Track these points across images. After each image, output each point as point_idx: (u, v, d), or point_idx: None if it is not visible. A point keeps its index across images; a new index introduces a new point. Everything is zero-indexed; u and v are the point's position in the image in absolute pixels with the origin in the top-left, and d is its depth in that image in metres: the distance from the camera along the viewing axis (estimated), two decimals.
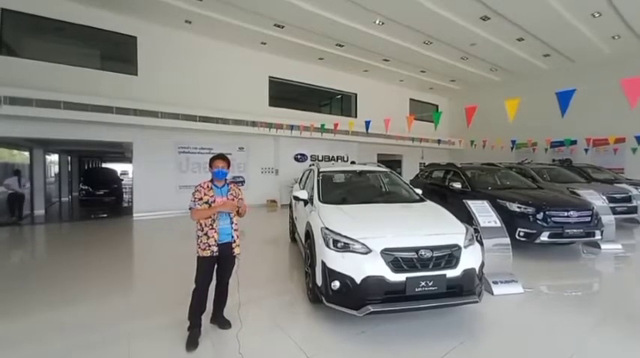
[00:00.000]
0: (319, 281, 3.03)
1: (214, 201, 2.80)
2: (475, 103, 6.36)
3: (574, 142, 11.74)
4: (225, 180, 2.95)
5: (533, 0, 7.86)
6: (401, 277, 2.74)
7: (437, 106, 17.73)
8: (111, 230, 8.26)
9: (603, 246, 5.63)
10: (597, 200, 5.97)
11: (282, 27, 9.69)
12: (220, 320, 2.98)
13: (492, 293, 3.70)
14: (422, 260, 2.83)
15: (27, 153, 10.29)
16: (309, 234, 3.58)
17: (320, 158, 13.14)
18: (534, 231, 5.15)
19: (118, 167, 19.52)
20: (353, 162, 12.01)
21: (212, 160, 2.89)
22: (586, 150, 11.87)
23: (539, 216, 5.25)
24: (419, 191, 4.52)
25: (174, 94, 9.84)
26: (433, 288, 2.77)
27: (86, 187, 13.31)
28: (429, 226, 3.29)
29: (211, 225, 2.78)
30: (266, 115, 11.34)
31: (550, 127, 12.20)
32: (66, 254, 5.86)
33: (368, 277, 2.73)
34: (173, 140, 10.08)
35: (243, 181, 11.42)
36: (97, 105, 8.16)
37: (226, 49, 10.88)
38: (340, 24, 9.27)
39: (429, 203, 4.16)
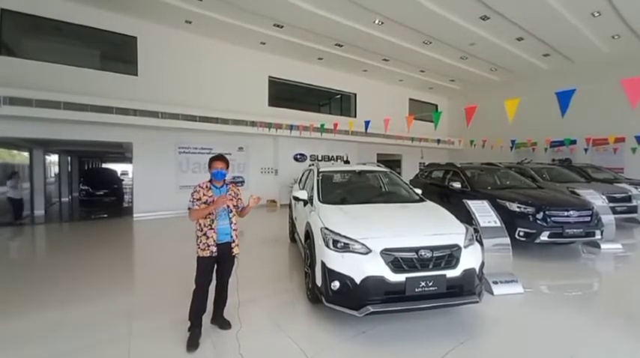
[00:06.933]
0: (319, 282, 3.03)
1: (213, 201, 2.81)
2: (475, 103, 6.36)
3: (574, 142, 11.73)
4: (224, 180, 2.96)
5: None
6: (401, 277, 2.74)
7: (436, 106, 17.72)
8: (111, 230, 8.26)
9: (603, 246, 5.63)
10: (597, 200, 5.98)
11: (282, 27, 9.69)
12: (220, 321, 2.98)
13: (492, 293, 3.71)
14: (422, 260, 2.83)
15: (27, 154, 10.30)
16: (308, 234, 3.58)
17: (319, 158, 13.13)
18: (534, 231, 5.16)
19: (118, 167, 19.57)
20: (347, 162, 11.95)
21: (211, 161, 2.89)
22: (586, 149, 11.86)
23: (539, 215, 5.25)
24: (418, 191, 4.52)
25: (174, 94, 9.85)
26: (433, 288, 2.77)
27: (86, 187, 13.34)
28: (428, 226, 3.29)
29: (210, 225, 2.78)
30: (266, 115, 11.33)
31: (550, 127, 12.21)
32: (65, 254, 5.86)
33: (368, 277, 2.73)
34: (173, 140, 10.08)
35: (243, 181, 11.42)
36: (97, 105, 8.16)
37: (226, 49, 10.88)
38: (339, 24, 9.25)
39: (428, 203, 4.16)
